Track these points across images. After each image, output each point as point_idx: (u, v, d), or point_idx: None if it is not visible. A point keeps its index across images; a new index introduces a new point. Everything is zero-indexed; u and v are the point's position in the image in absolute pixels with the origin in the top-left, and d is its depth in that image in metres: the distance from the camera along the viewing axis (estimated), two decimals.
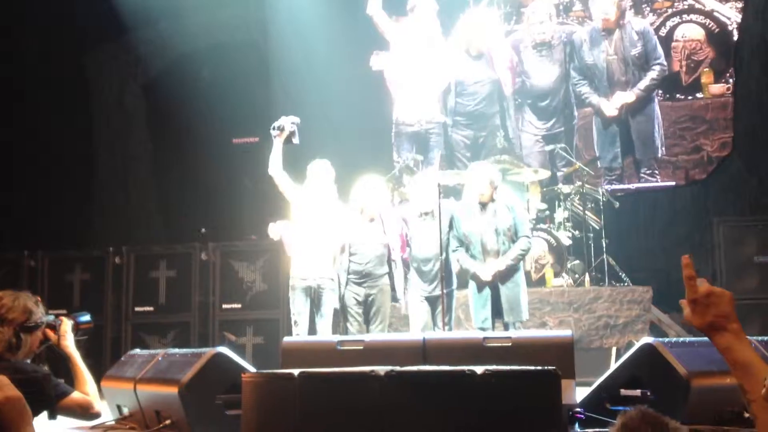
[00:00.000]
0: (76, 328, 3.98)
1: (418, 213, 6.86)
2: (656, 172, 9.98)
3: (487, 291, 6.54)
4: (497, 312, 6.54)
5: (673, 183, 10.03)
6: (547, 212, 8.78)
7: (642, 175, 10.01)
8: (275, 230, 6.91)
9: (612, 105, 9.89)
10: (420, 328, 6.66)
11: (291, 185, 6.76)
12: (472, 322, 6.71)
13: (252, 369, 4.98)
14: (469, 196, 6.87)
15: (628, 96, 9.88)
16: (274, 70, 10.56)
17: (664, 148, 10.01)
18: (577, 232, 8.66)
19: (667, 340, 4.73)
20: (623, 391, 4.55)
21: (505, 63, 9.93)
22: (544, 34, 10.06)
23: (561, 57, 10.10)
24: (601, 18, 10.00)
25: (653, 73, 9.91)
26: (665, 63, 9.99)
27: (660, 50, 9.98)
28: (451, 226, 6.72)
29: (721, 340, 1.82)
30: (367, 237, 6.71)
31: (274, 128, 6.82)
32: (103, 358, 8.23)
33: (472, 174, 6.95)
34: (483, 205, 6.65)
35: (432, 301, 6.74)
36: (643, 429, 1.69)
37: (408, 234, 6.88)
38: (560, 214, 8.69)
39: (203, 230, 9.14)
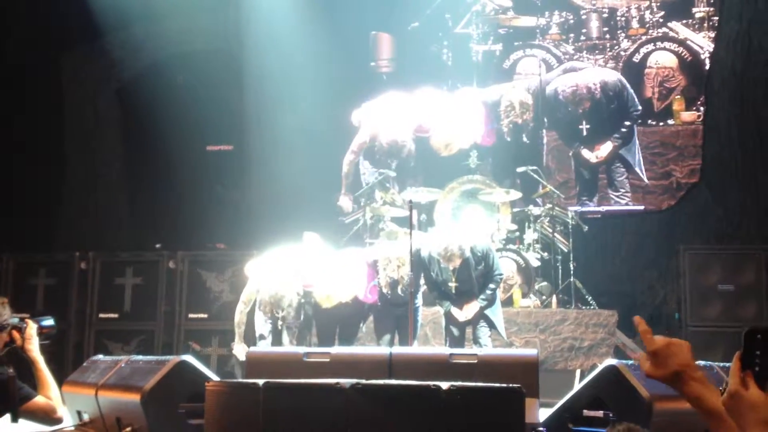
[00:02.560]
0: (40, 332, 3.93)
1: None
2: (627, 193, 10.06)
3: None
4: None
5: (642, 207, 10.16)
6: (517, 233, 8.84)
7: (612, 196, 10.09)
8: (240, 351, 6.92)
9: (593, 155, 9.88)
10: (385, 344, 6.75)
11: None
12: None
13: (216, 378, 4.94)
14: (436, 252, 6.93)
15: (607, 147, 9.80)
16: (249, 78, 10.56)
17: (644, 174, 10.07)
18: (545, 254, 8.73)
19: (630, 362, 4.77)
20: (586, 412, 4.57)
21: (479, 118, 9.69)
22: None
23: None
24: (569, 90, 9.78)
25: (629, 121, 9.89)
26: (640, 109, 9.99)
27: (635, 99, 9.92)
28: (425, 267, 6.84)
29: (690, 391, 1.84)
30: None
31: None
32: (65, 364, 8.12)
33: (436, 247, 6.88)
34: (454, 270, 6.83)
35: (398, 317, 6.83)
36: None
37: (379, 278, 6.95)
38: (530, 236, 8.76)
39: (158, 246, 9.10)
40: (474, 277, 6.79)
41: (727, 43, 9.96)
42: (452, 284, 6.80)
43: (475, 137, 9.08)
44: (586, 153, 9.85)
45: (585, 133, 9.65)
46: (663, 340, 1.86)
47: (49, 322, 3.89)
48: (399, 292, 6.76)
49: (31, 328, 3.79)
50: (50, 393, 3.61)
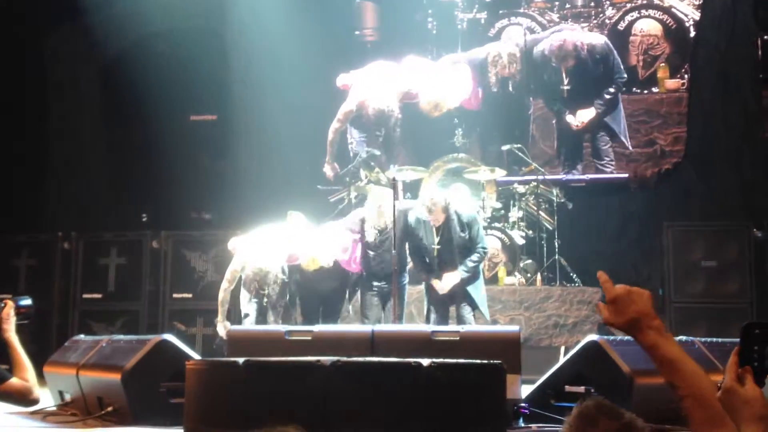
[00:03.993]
0: (18, 312, 3.88)
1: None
2: (612, 162, 10.03)
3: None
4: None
5: (627, 175, 10.17)
6: (502, 211, 8.83)
7: (596, 165, 10.04)
8: (222, 329, 6.86)
9: (576, 120, 9.80)
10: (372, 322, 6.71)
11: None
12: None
13: (197, 357, 4.93)
14: (422, 215, 6.88)
15: (590, 113, 9.70)
16: (233, 50, 10.47)
17: (629, 142, 10.03)
18: (530, 232, 8.73)
19: (612, 338, 4.79)
20: (568, 388, 4.60)
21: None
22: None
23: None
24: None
25: (613, 88, 9.79)
26: (625, 77, 9.93)
27: (621, 67, 9.82)
28: (410, 232, 6.79)
29: (645, 339, 1.82)
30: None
31: None
32: (49, 345, 8.05)
33: (422, 201, 6.93)
34: (438, 228, 6.75)
35: (384, 295, 6.79)
36: (598, 418, 1.70)
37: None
38: (515, 214, 8.75)
39: (144, 217, 9.03)
40: (456, 244, 6.65)
41: (712, 20, 9.93)
42: (435, 247, 6.68)
43: (463, 96, 9.00)
44: (569, 118, 9.80)
45: (566, 94, 9.55)
46: (623, 288, 1.84)
47: (26, 301, 3.84)
48: (383, 251, 6.70)
49: (9, 307, 3.73)
50: (26, 374, 3.57)
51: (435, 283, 6.72)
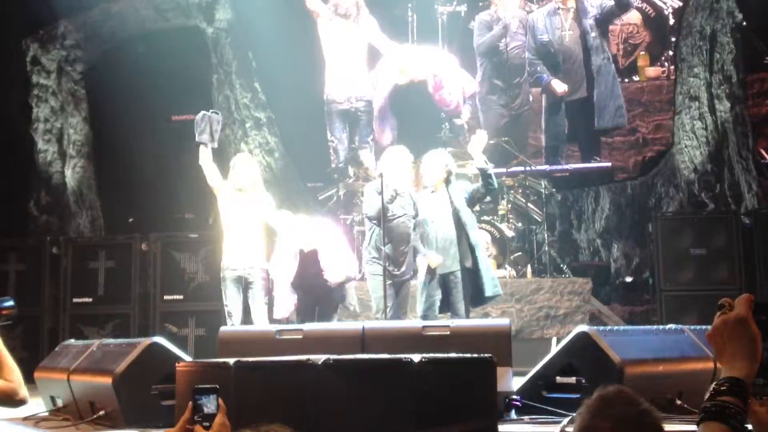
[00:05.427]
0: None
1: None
2: (597, 151, 10.10)
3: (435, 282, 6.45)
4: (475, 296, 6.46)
5: (609, 164, 10.21)
6: (491, 204, 8.84)
7: (581, 155, 10.10)
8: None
9: (562, 86, 9.84)
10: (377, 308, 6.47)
11: (220, 178, 6.77)
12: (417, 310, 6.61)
13: (188, 359, 4.91)
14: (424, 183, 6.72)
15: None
16: (216, 50, 10.45)
17: (623, 119, 10.09)
18: (519, 224, 8.75)
19: (602, 328, 4.80)
20: (558, 379, 4.61)
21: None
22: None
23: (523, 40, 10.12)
24: None
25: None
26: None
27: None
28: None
29: None
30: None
31: (203, 132, 6.74)
32: (39, 350, 8.03)
33: (426, 160, 6.74)
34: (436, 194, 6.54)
35: (396, 285, 6.62)
36: (617, 402, 1.71)
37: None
38: (503, 206, 8.76)
39: (131, 220, 8.98)
40: (456, 213, 6.45)
41: (695, 7, 9.96)
42: (433, 225, 6.46)
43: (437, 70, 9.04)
44: (555, 84, 9.88)
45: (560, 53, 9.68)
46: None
47: (8, 303, 3.80)
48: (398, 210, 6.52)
49: None
50: (10, 375, 3.52)
51: (430, 255, 6.38)
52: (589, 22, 9.93)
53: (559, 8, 10.04)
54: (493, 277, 6.52)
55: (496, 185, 6.75)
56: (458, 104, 9.52)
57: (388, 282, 6.44)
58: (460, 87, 9.36)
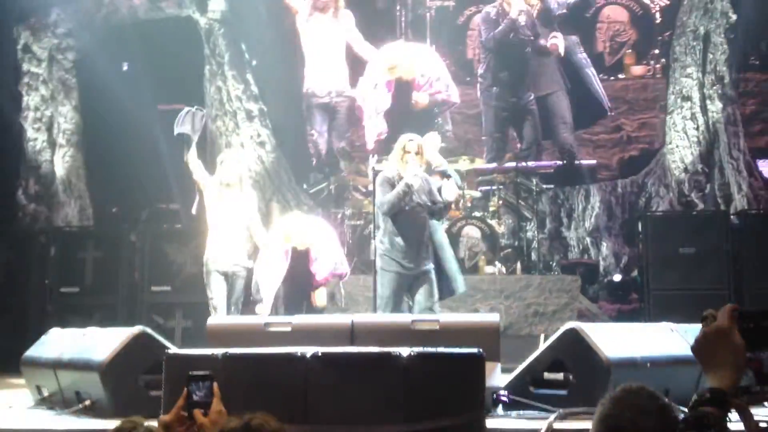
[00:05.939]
0: None
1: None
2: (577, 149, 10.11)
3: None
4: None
5: (594, 161, 10.24)
6: (482, 201, 8.84)
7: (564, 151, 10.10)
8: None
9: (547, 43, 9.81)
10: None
11: (206, 174, 6.83)
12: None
13: (176, 349, 4.89)
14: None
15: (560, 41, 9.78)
16: (208, 41, 10.42)
17: (607, 107, 10.10)
18: (510, 221, 8.75)
19: (590, 324, 4.81)
20: (546, 375, 4.61)
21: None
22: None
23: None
24: None
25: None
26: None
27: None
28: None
29: None
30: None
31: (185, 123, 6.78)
32: (26, 340, 7.94)
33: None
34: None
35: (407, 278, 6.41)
36: (640, 395, 1.80)
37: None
38: (494, 203, 8.77)
39: (114, 209, 8.95)
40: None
41: (690, 8, 9.98)
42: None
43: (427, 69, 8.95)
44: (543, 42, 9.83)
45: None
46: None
47: None
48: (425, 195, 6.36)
49: None
50: None
51: (406, 176, 6.21)
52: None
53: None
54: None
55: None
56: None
57: (401, 273, 6.26)
58: (446, 93, 9.20)
